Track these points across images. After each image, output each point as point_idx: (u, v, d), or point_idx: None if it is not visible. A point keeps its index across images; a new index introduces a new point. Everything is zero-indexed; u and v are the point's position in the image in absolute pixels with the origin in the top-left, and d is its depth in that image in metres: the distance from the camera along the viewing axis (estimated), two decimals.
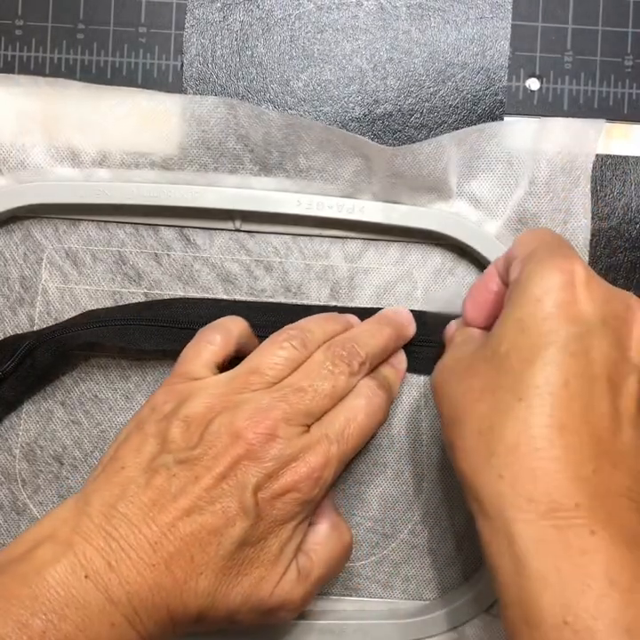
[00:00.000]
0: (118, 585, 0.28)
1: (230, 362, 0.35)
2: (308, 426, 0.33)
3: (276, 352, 0.34)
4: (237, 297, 0.40)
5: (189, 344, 0.35)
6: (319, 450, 0.32)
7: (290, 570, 0.32)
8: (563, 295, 0.29)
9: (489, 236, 0.39)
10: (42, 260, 0.40)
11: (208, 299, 0.40)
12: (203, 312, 0.38)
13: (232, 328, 0.35)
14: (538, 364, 0.29)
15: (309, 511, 0.33)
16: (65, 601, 0.28)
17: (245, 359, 0.34)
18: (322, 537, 0.34)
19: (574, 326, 0.29)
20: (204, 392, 0.33)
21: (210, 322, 0.36)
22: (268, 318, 0.39)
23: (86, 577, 0.28)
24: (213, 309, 0.38)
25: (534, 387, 0.28)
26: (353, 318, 0.38)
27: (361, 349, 0.35)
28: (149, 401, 0.34)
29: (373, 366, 0.36)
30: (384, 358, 0.37)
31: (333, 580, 0.40)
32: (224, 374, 0.34)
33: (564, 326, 0.29)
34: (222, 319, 0.36)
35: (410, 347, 0.39)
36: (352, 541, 0.35)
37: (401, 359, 0.38)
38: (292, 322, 0.38)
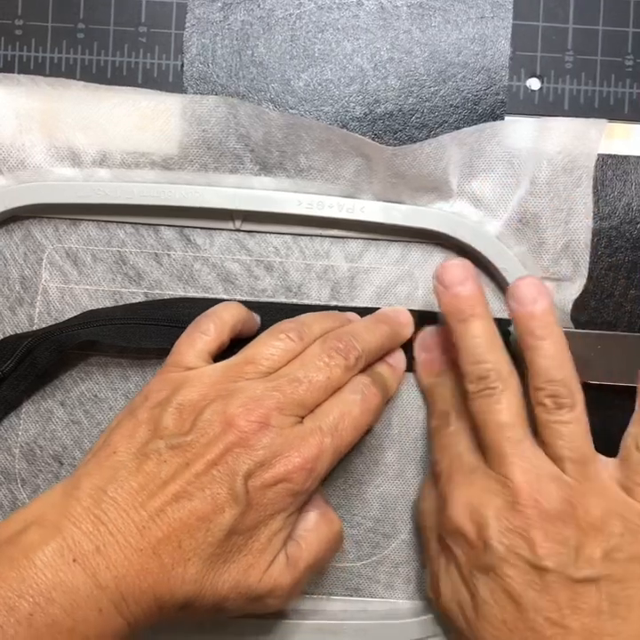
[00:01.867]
0: (106, 569, 0.28)
1: (228, 347, 0.36)
2: (302, 417, 0.33)
3: (272, 343, 0.34)
4: (238, 297, 0.40)
5: (183, 334, 0.35)
6: (312, 441, 0.32)
7: (278, 557, 0.32)
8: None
9: (490, 235, 0.39)
10: (42, 259, 0.40)
11: (208, 298, 0.40)
12: (202, 311, 0.38)
13: (226, 317, 0.36)
14: None
15: (300, 503, 0.33)
16: (52, 584, 0.28)
17: (242, 349, 0.34)
18: (311, 524, 0.34)
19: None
20: (198, 381, 0.33)
21: None
22: (268, 318, 0.39)
23: (74, 560, 0.28)
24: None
25: None
26: (353, 316, 0.38)
27: (357, 344, 0.34)
28: (143, 390, 0.34)
29: (369, 363, 0.36)
30: (380, 356, 0.37)
31: (334, 580, 0.40)
32: (219, 363, 0.34)
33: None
34: (216, 307, 0.36)
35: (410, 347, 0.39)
36: (342, 530, 0.35)
37: (398, 358, 0.38)
38: None
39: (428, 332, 0.39)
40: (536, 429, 0.34)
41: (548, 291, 0.35)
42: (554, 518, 0.32)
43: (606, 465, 0.34)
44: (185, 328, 0.36)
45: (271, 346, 0.34)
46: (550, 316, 0.34)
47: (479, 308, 0.35)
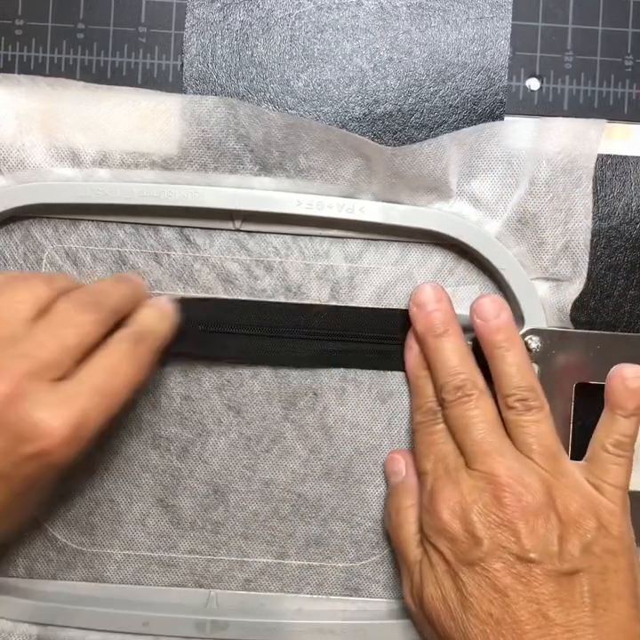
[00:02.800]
0: None
1: None
2: (60, 379, 0.30)
3: (19, 297, 0.31)
4: (237, 297, 0.40)
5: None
6: (75, 407, 0.29)
7: None
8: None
9: (489, 236, 0.39)
10: (42, 259, 0.40)
11: (209, 297, 0.40)
12: (204, 310, 0.38)
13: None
14: None
15: (64, 469, 0.30)
16: None
17: None
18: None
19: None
20: None
21: (210, 321, 0.37)
22: (267, 318, 0.39)
23: None
24: (215, 308, 0.38)
25: None
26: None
27: (107, 297, 0.33)
28: None
29: (125, 314, 0.34)
30: (135, 306, 0.35)
31: (334, 580, 0.40)
32: None
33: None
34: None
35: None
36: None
37: (161, 300, 0.36)
38: (292, 321, 0.39)
39: None
40: (508, 433, 0.36)
41: (508, 305, 0.38)
42: (537, 511, 0.33)
43: (575, 465, 0.36)
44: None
45: (17, 301, 0.31)
46: (512, 328, 0.37)
47: (452, 326, 0.37)
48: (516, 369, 0.36)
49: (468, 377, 0.36)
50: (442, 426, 0.37)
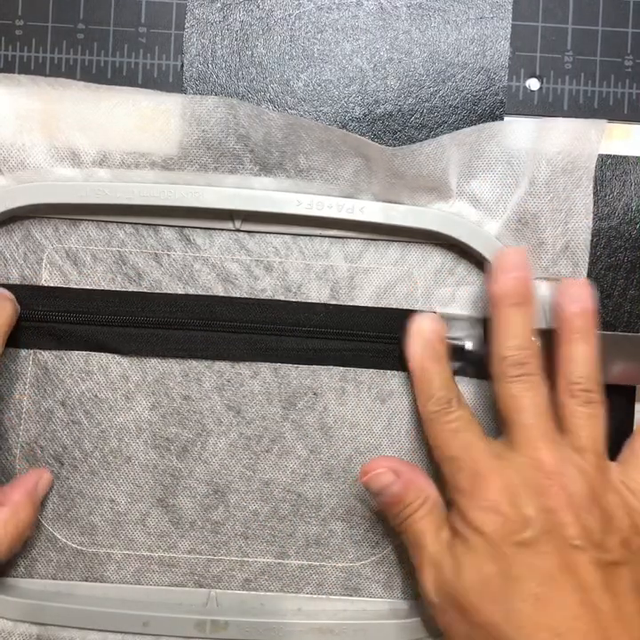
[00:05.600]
0: None
1: None
2: None
3: None
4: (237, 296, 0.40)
5: None
6: None
7: None
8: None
9: (489, 236, 0.39)
10: (42, 259, 0.40)
11: (206, 296, 0.40)
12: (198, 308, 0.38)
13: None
14: None
15: None
16: None
17: None
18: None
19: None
20: None
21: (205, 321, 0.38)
22: (267, 316, 0.39)
23: None
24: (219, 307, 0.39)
25: None
26: None
27: None
28: None
29: None
30: None
31: (334, 580, 0.40)
32: None
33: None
34: None
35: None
36: (30, 523, 0.37)
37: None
38: (291, 320, 0.39)
39: (426, 317, 0.39)
40: (559, 418, 0.36)
41: (595, 295, 0.37)
42: (581, 502, 0.33)
43: (613, 465, 0.36)
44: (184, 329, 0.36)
45: None
46: (595, 318, 0.36)
47: (530, 299, 0.37)
48: (588, 359, 0.36)
49: (534, 354, 0.36)
50: (459, 413, 0.36)
